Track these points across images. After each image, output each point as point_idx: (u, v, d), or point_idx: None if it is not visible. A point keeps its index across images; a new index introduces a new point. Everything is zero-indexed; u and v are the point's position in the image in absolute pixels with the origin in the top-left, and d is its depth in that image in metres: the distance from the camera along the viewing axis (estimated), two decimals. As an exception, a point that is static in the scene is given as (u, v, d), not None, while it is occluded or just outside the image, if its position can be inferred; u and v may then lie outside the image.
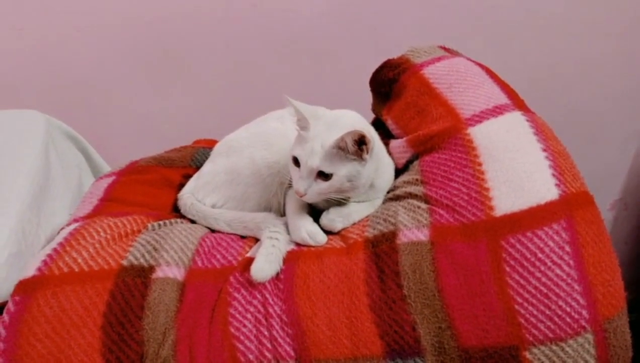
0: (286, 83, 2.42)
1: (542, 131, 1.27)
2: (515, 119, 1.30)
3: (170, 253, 1.26)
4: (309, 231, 1.27)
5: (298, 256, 1.23)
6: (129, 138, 2.52)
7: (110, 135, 2.46)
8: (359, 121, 1.31)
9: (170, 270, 1.22)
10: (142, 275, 1.20)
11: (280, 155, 1.41)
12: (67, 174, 1.97)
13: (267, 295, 1.16)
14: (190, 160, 1.72)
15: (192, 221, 1.47)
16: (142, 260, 1.24)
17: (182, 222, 1.44)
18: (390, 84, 1.59)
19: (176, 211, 1.54)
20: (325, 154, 1.21)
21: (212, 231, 1.43)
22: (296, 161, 1.25)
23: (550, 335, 1.06)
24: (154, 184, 1.60)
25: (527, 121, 1.30)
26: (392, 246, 1.18)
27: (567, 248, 1.10)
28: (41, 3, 2.24)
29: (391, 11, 2.33)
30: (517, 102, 1.37)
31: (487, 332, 1.07)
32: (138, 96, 2.41)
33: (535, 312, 1.06)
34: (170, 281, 1.20)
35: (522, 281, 1.08)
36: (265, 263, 1.19)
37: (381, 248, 1.18)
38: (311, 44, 2.37)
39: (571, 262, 1.09)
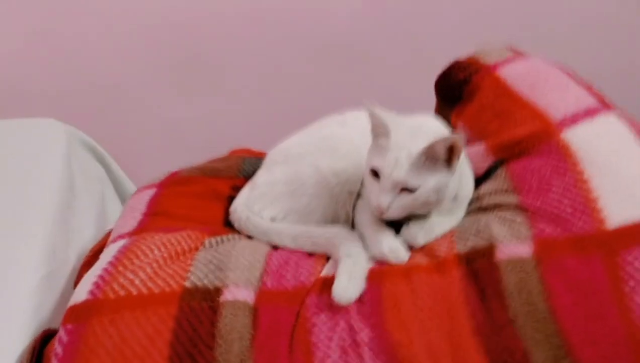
0: (319, 87, 2.34)
1: None
2: (611, 122, 1.20)
3: (237, 272, 1.14)
4: (391, 246, 1.15)
5: (381, 275, 1.11)
6: (152, 148, 2.41)
7: (130, 145, 2.35)
8: (442, 127, 1.21)
9: (240, 292, 1.10)
10: (208, 298, 1.08)
11: (348, 162, 1.31)
12: (89, 187, 1.87)
13: (352, 320, 1.04)
14: (238, 170, 1.60)
15: (248, 237, 1.36)
16: (206, 281, 1.12)
17: (240, 238, 1.32)
18: (460, 86, 1.48)
19: (228, 226, 1.42)
20: (411, 165, 1.10)
21: (274, 247, 1.31)
22: (375, 174, 1.14)
23: None
24: (201, 197, 1.48)
25: (624, 123, 1.20)
26: (491, 263, 1.06)
27: None
28: (61, 6, 2.14)
29: (423, 13, 2.25)
30: (606, 104, 1.27)
31: (610, 360, 0.96)
32: (162, 103, 2.32)
33: None
34: (241, 304, 1.08)
35: None
36: (349, 284, 1.07)
37: (478, 265, 1.07)
38: (345, 46, 2.28)
39: None
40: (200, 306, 1.07)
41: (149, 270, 1.13)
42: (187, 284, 1.11)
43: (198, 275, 1.13)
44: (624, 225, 1.03)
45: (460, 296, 1.05)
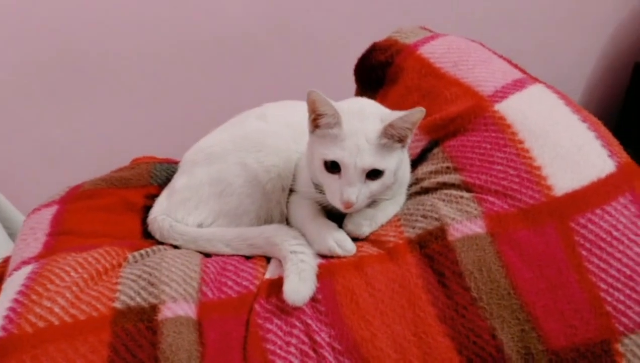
0: (215, 89, 2.23)
1: (571, 102, 1.19)
2: (540, 92, 1.21)
3: (172, 286, 1.02)
4: (337, 239, 1.08)
5: (332, 269, 1.04)
6: (33, 170, 2.17)
7: (8, 170, 2.11)
8: (380, 105, 1.15)
9: (180, 307, 0.99)
10: (145, 317, 0.96)
11: (278, 156, 1.23)
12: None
13: (309, 321, 0.97)
14: (149, 177, 1.46)
15: (175, 247, 1.23)
16: (139, 299, 1.00)
17: (166, 249, 1.20)
18: (383, 68, 1.44)
19: (148, 238, 1.28)
20: (374, 149, 1.04)
21: (207, 255, 1.19)
22: (331, 167, 1.06)
23: None
24: (112, 210, 1.33)
25: (553, 93, 1.21)
26: (445, 244, 1.02)
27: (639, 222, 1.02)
28: None
29: (317, 8, 2.22)
30: (531, 76, 1.28)
31: (576, 328, 0.95)
32: (39, 120, 2.09)
33: (622, 298, 0.96)
34: (183, 320, 0.97)
35: (602, 265, 0.97)
36: (300, 283, 0.99)
37: (432, 248, 1.03)
38: (240, 45, 2.18)
39: None
40: (137, 328, 0.95)
41: (68, 294, 0.99)
42: (117, 305, 0.98)
43: (128, 293, 1.01)
44: (572, 190, 1.03)
45: (418, 282, 1.00)
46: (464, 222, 1.05)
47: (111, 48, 2.05)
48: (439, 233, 1.04)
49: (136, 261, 1.12)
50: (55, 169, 2.12)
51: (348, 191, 1.03)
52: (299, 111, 1.31)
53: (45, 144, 2.13)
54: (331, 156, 1.04)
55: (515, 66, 1.32)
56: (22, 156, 2.14)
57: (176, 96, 2.20)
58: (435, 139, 1.24)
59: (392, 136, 1.05)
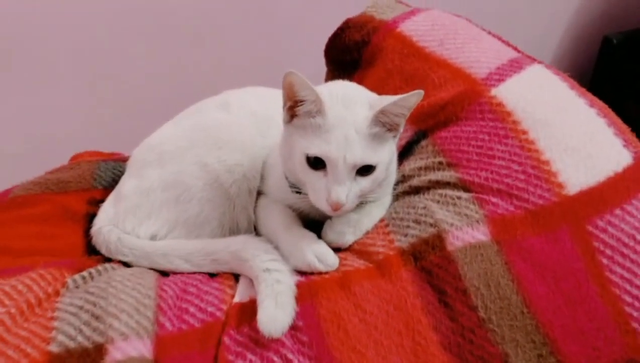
0: (164, 74, 1.99)
1: (574, 85, 1.05)
2: (541, 73, 1.07)
3: (121, 319, 0.84)
4: (317, 252, 0.92)
5: (313, 289, 0.88)
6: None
7: None
8: (364, 89, 0.98)
9: (132, 346, 0.82)
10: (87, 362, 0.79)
11: (243, 154, 1.06)
12: None
13: (290, 355, 0.81)
14: (92, 179, 1.25)
15: (125, 264, 1.04)
16: (80, 338, 0.82)
17: (114, 267, 1.01)
18: (358, 48, 1.28)
19: (94, 253, 1.09)
20: (365, 140, 0.88)
21: (163, 273, 1.01)
22: (314, 164, 0.90)
23: None
24: (48, 220, 1.13)
25: (554, 73, 1.08)
26: (444, 255, 0.88)
27: None
28: None
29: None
30: (526, 55, 1.14)
31: (599, 350, 0.82)
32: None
33: None
34: (136, 362, 0.80)
35: (626, 274, 0.85)
36: (277, 310, 0.83)
37: (429, 260, 0.88)
38: (190, 22, 1.96)
39: None
40: None
41: (-9, 337, 0.81)
42: (54, 348, 0.80)
43: (67, 331, 0.83)
44: (587, 188, 0.90)
45: (416, 303, 0.85)
46: (464, 228, 0.90)
47: (46, 29, 1.81)
48: (436, 242, 0.90)
49: (77, 287, 0.93)
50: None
51: (337, 190, 0.87)
52: (266, 99, 1.15)
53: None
54: (315, 151, 0.88)
55: (508, 44, 1.17)
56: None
57: (121, 80, 1.97)
58: (423, 129, 1.09)
59: (383, 125, 0.90)
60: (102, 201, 1.17)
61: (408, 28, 1.22)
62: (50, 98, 1.89)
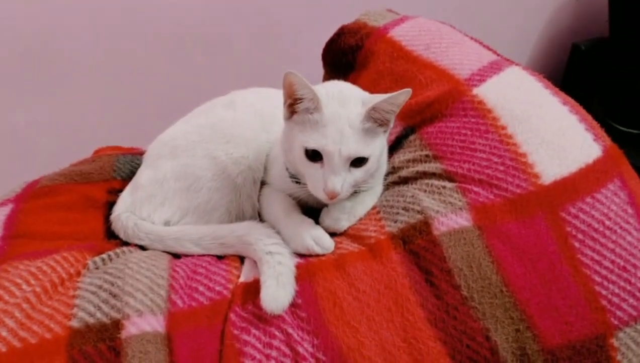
0: (178, 77, 1.95)
1: (549, 84, 1.03)
2: (518, 74, 1.04)
3: (137, 297, 0.82)
4: (314, 236, 0.90)
5: (311, 270, 0.86)
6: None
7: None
8: (356, 88, 0.96)
9: (146, 321, 0.80)
10: (106, 337, 0.77)
11: (248, 147, 1.03)
12: None
13: (290, 330, 0.79)
14: (111, 170, 1.22)
15: (141, 247, 1.02)
16: (99, 315, 0.80)
17: (131, 251, 0.99)
18: (353, 52, 1.24)
19: (112, 238, 1.06)
20: (358, 134, 0.86)
21: (176, 255, 0.99)
22: (312, 156, 0.87)
23: (635, 313, 0.82)
24: (72, 208, 1.10)
25: (530, 75, 1.04)
26: (430, 239, 0.85)
27: (630, 210, 0.87)
28: None
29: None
30: (505, 58, 1.10)
31: (571, 324, 0.80)
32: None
33: (616, 290, 0.82)
34: (150, 337, 0.78)
35: (596, 257, 0.83)
36: (279, 289, 0.81)
37: (416, 244, 0.86)
38: (201, 31, 1.93)
39: (637, 224, 0.86)
40: (97, 349, 0.75)
41: (18, 314, 0.78)
42: (75, 323, 0.78)
43: (87, 308, 0.81)
44: (561, 178, 0.88)
45: (405, 282, 0.83)
46: (448, 215, 0.88)
47: (73, 33, 1.77)
48: (423, 227, 0.87)
49: (97, 268, 0.91)
50: (13, 162, 1.84)
51: (333, 180, 0.85)
52: (268, 98, 1.12)
53: (1, 135, 1.85)
54: (313, 144, 0.86)
55: (488, 48, 1.14)
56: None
57: (140, 83, 1.93)
58: (411, 125, 1.06)
59: (375, 120, 0.87)
60: (121, 190, 1.14)
61: (397, 34, 1.18)
62: (76, 99, 1.85)
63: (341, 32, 1.28)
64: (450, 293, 0.81)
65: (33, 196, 1.12)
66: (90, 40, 1.80)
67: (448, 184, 0.93)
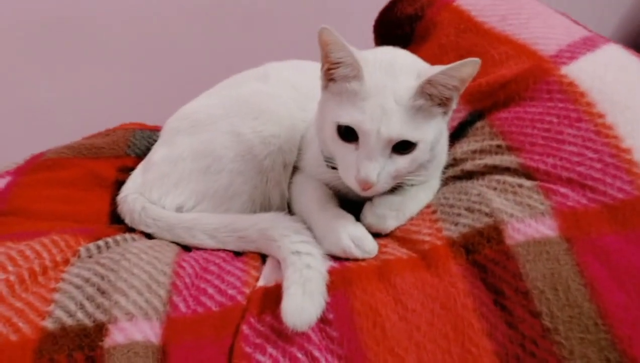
0: (213, 51, 1.81)
1: None
2: (618, 53, 0.84)
3: (130, 295, 0.67)
4: (353, 236, 0.73)
5: (347, 278, 0.69)
6: (14, 138, 1.79)
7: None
8: (416, 57, 0.78)
9: (137, 327, 0.64)
10: (85, 344, 0.62)
11: (280, 125, 0.86)
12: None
13: (317, 353, 0.62)
14: (125, 146, 1.08)
15: (148, 236, 0.87)
16: (80, 315, 0.64)
17: (134, 238, 0.84)
18: (410, 23, 1.07)
19: (119, 223, 0.92)
20: (406, 113, 0.68)
21: (186, 248, 0.84)
22: (346, 135, 0.71)
23: None
24: (76, 184, 0.97)
25: (633, 55, 0.85)
26: (502, 250, 0.67)
27: None
28: None
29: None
30: (598, 34, 0.91)
31: None
32: (23, 82, 1.70)
33: None
34: (139, 348, 0.62)
35: None
36: (305, 299, 0.64)
37: (483, 254, 0.67)
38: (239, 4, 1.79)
39: None
40: (72, 359, 0.60)
41: (-17, 307, 0.65)
42: (49, 324, 0.63)
43: (67, 306, 0.65)
44: None
45: (467, 302, 0.65)
46: (526, 220, 0.69)
47: (102, 5, 1.68)
48: (493, 234, 0.69)
49: (90, 256, 0.76)
50: (37, 138, 1.75)
51: (367, 166, 0.68)
52: (307, 72, 0.94)
53: (29, 107, 1.75)
54: (346, 119, 0.69)
55: (577, 23, 0.95)
56: (2, 119, 1.77)
57: (174, 58, 1.82)
58: (478, 109, 0.87)
59: (431, 98, 0.70)
60: (134, 168, 0.99)
61: (466, 2, 1.00)
62: (104, 73, 1.76)
63: (397, 0, 1.11)
64: (527, 321, 0.62)
65: (33, 169, 1.00)
66: (122, 9, 1.69)
67: (526, 183, 0.74)
